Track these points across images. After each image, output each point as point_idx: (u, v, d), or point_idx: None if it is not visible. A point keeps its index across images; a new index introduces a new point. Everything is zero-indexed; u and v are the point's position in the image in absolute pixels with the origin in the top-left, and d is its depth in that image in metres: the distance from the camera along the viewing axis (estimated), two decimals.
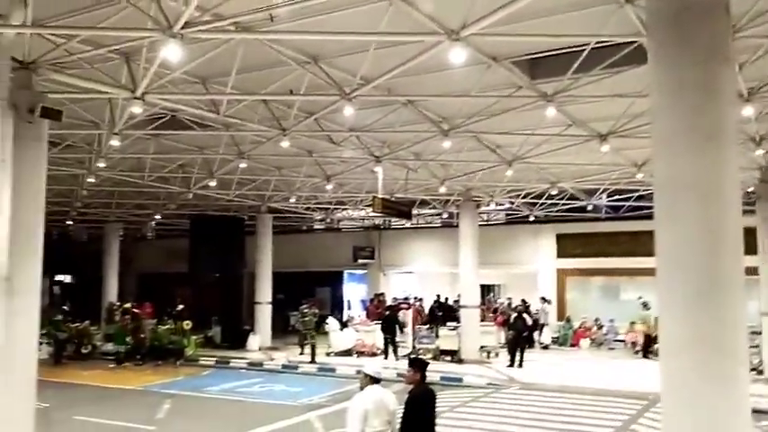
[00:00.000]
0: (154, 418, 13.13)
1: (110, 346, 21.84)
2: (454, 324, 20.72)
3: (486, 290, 26.84)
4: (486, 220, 28.16)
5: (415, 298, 25.76)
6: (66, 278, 35.89)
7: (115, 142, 13.16)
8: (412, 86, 11.49)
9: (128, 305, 23.65)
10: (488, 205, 25.07)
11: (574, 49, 9.72)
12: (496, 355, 20.27)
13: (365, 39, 9.09)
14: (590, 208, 23.72)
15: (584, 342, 23.46)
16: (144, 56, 9.44)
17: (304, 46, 9.84)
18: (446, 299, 24.01)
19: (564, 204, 23.49)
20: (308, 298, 23.61)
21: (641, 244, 22.79)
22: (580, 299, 26.39)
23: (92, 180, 18.45)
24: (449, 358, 19.56)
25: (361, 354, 20.91)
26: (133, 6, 7.76)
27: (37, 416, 8.43)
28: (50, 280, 32.87)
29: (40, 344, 9.57)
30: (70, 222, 28.75)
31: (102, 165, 16.28)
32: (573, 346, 23.53)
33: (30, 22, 7.64)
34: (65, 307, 26.00)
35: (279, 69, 10.45)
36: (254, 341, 23.05)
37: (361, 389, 6.54)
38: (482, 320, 21.42)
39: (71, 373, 18.74)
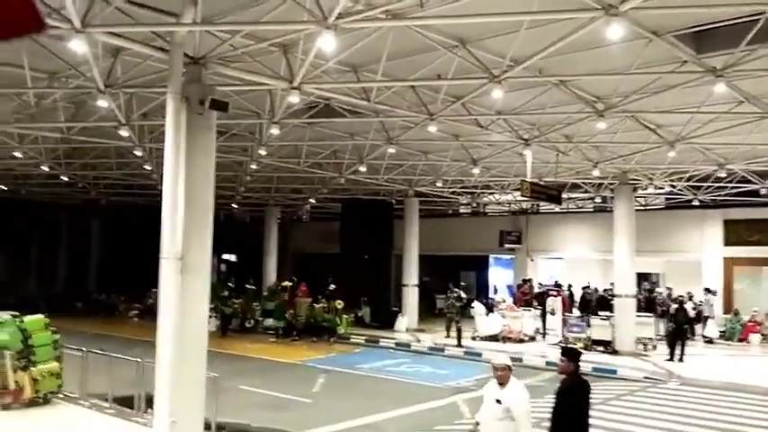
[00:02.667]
0: (311, 391, 13.89)
1: (270, 322, 23.31)
2: (607, 313, 19.89)
3: (642, 278, 25.45)
4: (644, 205, 26.69)
5: (561, 285, 24.93)
6: (232, 257, 38.52)
7: (275, 131, 13.98)
8: (564, 66, 11.05)
9: (286, 283, 24.94)
10: (646, 189, 23.72)
11: (746, 18, 8.87)
12: (654, 347, 19.23)
13: (517, 19, 8.88)
14: (763, 192, 21.67)
15: (755, 337, 21.58)
16: (300, 47, 9.89)
17: (451, 30, 9.79)
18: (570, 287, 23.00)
19: (733, 188, 21.76)
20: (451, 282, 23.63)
21: None
22: (750, 290, 24.21)
23: (254, 166, 19.77)
24: (601, 348, 18.83)
25: (507, 339, 20.68)
26: (291, 0, 8.13)
27: (207, 384, 9.14)
28: (218, 258, 35.56)
29: (209, 317, 10.36)
30: (235, 205, 31.01)
31: (262, 152, 17.38)
32: (741, 341, 21.73)
33: (199, 19, 8.28)
34: (230, 284, 28.12)
35: (426, 55, 10.50)
36: (401, 322, 23.62)
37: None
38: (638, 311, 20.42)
39: (236, 345, 20.23)
